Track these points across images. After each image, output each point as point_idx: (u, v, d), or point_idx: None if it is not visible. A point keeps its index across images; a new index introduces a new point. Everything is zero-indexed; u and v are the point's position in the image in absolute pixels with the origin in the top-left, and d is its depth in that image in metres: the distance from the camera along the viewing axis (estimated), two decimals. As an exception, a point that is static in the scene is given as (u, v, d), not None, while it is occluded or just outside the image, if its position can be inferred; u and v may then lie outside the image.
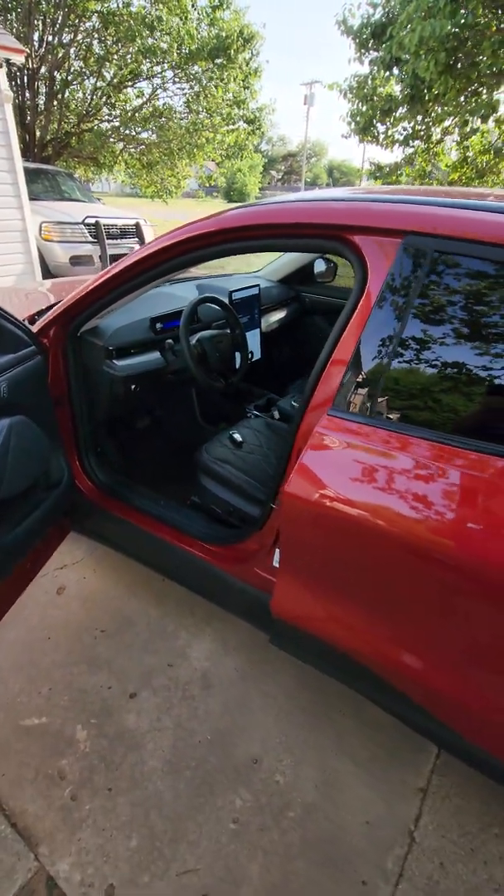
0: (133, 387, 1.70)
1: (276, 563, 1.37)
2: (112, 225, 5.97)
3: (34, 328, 1.57)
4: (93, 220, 5.73)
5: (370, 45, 5.84)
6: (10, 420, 1.30)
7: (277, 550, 1.35)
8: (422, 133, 6.38)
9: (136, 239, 6.23)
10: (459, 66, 4.79)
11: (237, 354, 1.86)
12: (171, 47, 8.04)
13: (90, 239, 5.78)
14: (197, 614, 1.85)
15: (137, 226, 6.22)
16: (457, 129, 6.08)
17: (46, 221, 5.61)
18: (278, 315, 2.41)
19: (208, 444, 1.75)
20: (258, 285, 2.15)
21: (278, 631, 1.40)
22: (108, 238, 5.81)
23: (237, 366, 1.88)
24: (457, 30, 4.31)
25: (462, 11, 4.13)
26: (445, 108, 5.47)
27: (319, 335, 2.63)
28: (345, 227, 1.09)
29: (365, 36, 5.80)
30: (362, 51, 6.08)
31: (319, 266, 2.67)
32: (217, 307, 1.81)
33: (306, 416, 1.17)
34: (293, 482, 1.10)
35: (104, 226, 5.76)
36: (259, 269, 2.67)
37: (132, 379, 1.65)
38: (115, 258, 5.94)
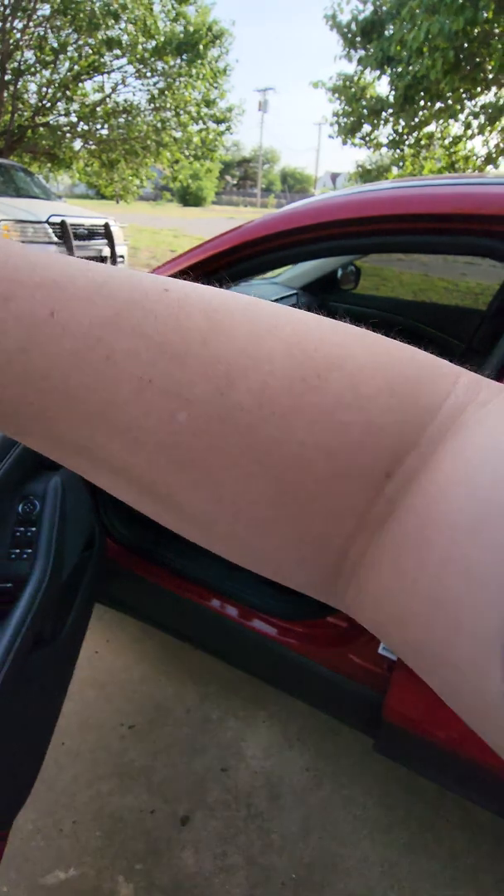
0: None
1: (384, 651, 1.07)
2: (79, 225, 5.50)
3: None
4: (58, 220, 5.25)
5: (358, 42, 5.69)
6: (60, 475, 0.96)
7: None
8: (408, 137, 6.29)
9: (106, 240, 5.78)
10: (466, 65, 4.69)
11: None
12: (134, 40, 7.63)
13: (55, 240, 5.29)
14: (244, 694, 1.52)
15: (107, 226, 5.78)
16: (446, 133, 6.04)
17: (5, 219, 5.09)
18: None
19: None
20: (297, 293, 1.85)
21: (389, 737, 1.10)
22: (75, 239, 5.34)
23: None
24: (467, 27, 4.19)
25: (471, 8, 3.99)
26: (445, 109, 5.39)
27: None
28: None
29: (354, 32, 5.64)
30: (350, 48, 5.92)
31: (339, 272, 2.41)
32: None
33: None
34: None
35: (71, 225, 5.29)
36: (276, 275, 2.38)
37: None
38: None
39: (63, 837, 1.16)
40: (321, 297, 2.32)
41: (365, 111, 6.11)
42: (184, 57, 7.92)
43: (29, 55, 8.12)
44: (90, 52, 7.97)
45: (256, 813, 1.24)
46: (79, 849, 1.15)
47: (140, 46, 7.70)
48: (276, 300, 1.78)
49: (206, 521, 0.18)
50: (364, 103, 6.05)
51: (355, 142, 6.62)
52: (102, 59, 8.14)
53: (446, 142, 6.15)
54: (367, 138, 6.52)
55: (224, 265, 1.08)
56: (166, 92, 8.35)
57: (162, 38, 7.67)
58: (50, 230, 5.26)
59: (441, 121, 5.81)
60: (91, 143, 8.95)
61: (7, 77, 8.12)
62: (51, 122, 8.56)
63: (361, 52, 5.84)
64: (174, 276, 1.07)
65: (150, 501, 0.19)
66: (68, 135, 8.78)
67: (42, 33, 7.93)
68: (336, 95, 6.45)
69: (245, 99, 10.26)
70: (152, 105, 8.65)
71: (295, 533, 0.17)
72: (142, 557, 1.42)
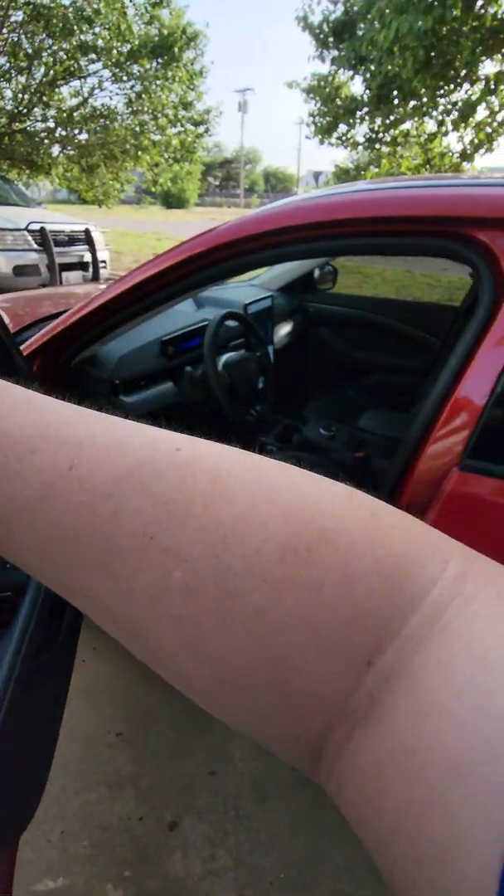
0: (144, 427, 1.36)
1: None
2: (59, 231, 5.47)
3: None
4: (38, 227, 5.22)
5: (331, 42, 5.71)
6: None
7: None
8: (384, 135, 6.33)
9: (87, 246, 5.75)
10: (436, 63, 4.73)
11: (260, 378, 1.56)
12: (108, 44, 7.60)
13: (35, 247, 5.26)
14: (232, 696, 1.52)
15: (87, 232, 5.75)
16: (422, 131, 6.08)
17: (-17, 228, 5.05)
18: (285, 328, 2.13)
19: None
20: (271, 296, 1.86)
21: None
22: (55, 245, 5.31)
23: (261, 389, 1.58)
24: (435, 26, 4.23)
25: (439, 7, 4.03)
26: (419, 107, 5.43)
27: (327, 349, 2.38)
28: (465, 221, 0.83)
29: (326, 33, 5.66)
30: (322, 48, 5.95)
31: (316, 272, 2.43)
32: (236, 323, 1.50)
33: (416, 475, 0.89)
34: None
35: (51, 232, 5.26)
36: (254, 276, 2.38)
37: (144, 418, 1.31)
38: (64, 267, 5.45)
39: (52, 848, 1.16)
40: (299, 297, 2.33)
41: (340, 111, 6.15)
42: (159, 60, 7.91)
43: (2, 61, 8.06)
44: (65, 57, 7.93)
45: (244, 814, 1.25)
46: (67, 858, 1.15)
47: (115, 51, 7.68)
48: (254, 301, 1.79)
49: (190, 676, 0.18)
50: (339, 103, 6.09)
51: (332, 141, 6.66)
52: (78, 64, 8.10)
53: (422, 139, 6.21)
54: (344, 138, 6.56)
55: (197, 269, 1.08)
56: (143, 95, 8.33)
57: (136, 42, 7.65)
58: (30, 237, 5.23)
59: (415, 119, 5.87)
60: (69, 148, 8.90)
61: (-19, 84, 8.05)
62: (28, 128, 8.50)
63: (334, 53, 5.88)
64: (150, 279, 1.07)
65: (137, 647, 0.20)
66: (46, 141, 8.73)
67: (15, 39, 7.87)
68: (311, 96, 6.48)
69: (223, 100, 10.26)
70: (130, 109, 8.63)
71: (277, 705, 0.17)
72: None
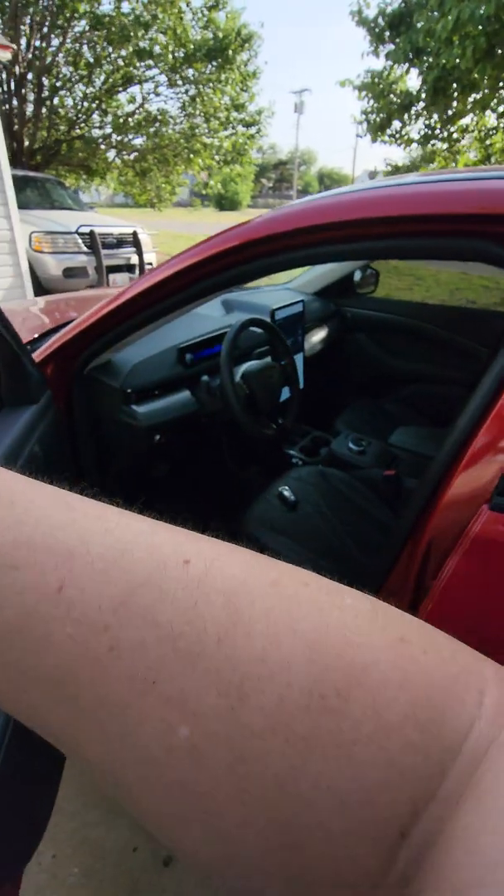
0: (158, 437, 1.31)
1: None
2: (108, 234, 5.59)
3: (28, 365, 1.18)
4: (87, 230, 5.35)
5: (386, 36, 5.51)
6: None
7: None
8: (441, 131, 6.04)
9: (134, 248, 5.85)
10: (499, 52, 4.43)
11: (284, 389, 1.47)
12: (165, 50, 7.73)
13: (84, 249, 5.40)
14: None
15: (135, 234, 5.85)
16: (478, 126, 5.75)
17: (37, 231, 5.23)
18: (319, 335, 2.03)
19: (252, 507, 1.35)
20: (302, 300, 1.77)
21: None
22: (103, 248, 5.43)
23: (286, 400, 1.49)
24: (499, 11, 3.96)
25: None
26: (478, 100, 5.12)
27: (364, 357, 2.25)
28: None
29: (381, 27, 5.47)
30: (378, 43, 5.75)
31: (357, 275, 2.30)
32: (261, 330, 1.42)
33: (438, 513, 0.77)
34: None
35: (99, 235, 5.38)
36: (289, 280, 2.30)
37: (157, 429, 1.25)
38: (111, 269, 5.56)
39: (42, 872, 1.12)
40: (336, 302, 2.22)
41: (394, 107, 5.89)
42: (213, 63, 7.95)
43: (65, 71, 8.37)
44: (122, 63, 8.13)
45: (244, 858, 1.16)
46: (56, 885, 1.10)
47: (171, 55, 7.79)
48: (283, 307, 1.70)
49: (193, 851, 0.16)
50: (393, 99, 5.85)
51: (385, 139, 6.42)
52: (135, 71, 8.28)
53: (481, 134, 5.86)
54: (398, 135, 6.30)
55: (220, 268, 0.97)
56: (196, 99, 8.41)
57: (192, 46, 7.73)
58: (80, 240, 5.37)
59: (475, 112, 5.54)
60: (125, 153, 9.13)
61: (44, 94, 8.40)
62: (85, 134, 8.78)
63: (389, 47, 5.64)
64: (167, 280, 1.00)
65: (127, 804, 0.16)
66: (102, 146, 8.99)
67: (77, 48, 8.15)
68: (364, 93, 6.27)
69: (275, 100, 10.18)
70: (183, 112, 8.74)
71: (293, 894, 0.14)
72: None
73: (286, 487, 1.43)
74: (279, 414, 1.42)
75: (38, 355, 1.18)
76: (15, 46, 5.49)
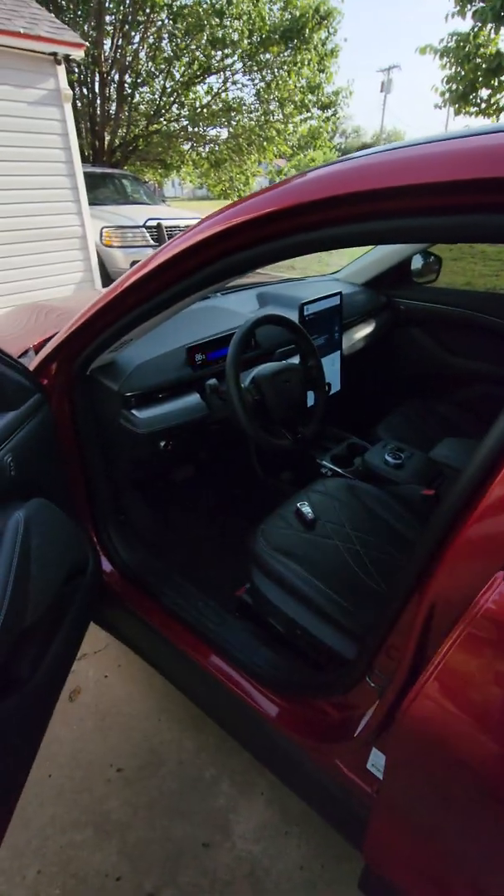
0: (164, 444, 1.22)
1: (372, 767, 0.82)
2: (174, 226, 5.62)
3: (32, 364, 1.14)
4: (154, 223, 5.41)
5: (476, -6, 4.93)
6: (26, 511, 0.87)
7: (376, 752, 0.80)
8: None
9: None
10: None
11: (310, 394, 1.32)
12: (241, 35, 7.58)
13: (151, 242, 5.47)
14: (245, 755, 1.33)
15: (201, 226, 5.82)
16: None
17: (107, 226, 5.38)
18: (364, 330, 1.83)
19: (266, 522, 1.22)
20: (339, 293, 1.59)
21: (370, 881, 0.86)
22: (169, 240, 5.46)
23: (310, 407, 1.33)
24: None
25: None
26: None
27: (418, 354, 2.02)
28: None
29: (470, -17, 4.91)
30: (464, 2, 5.17)
31: (416, 262, 2.05)
32: (283, 327, 1.27)
33: (442, 572, 0.60)
34: (439, 680, 0.55)
35: (166, 228, 5.42)
36: (337, 269, 2.11)
37: (161, 435, 1.16)
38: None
39: (24, 886, 1.10)
40: (389, 293, 2.00)
41: (481, 72, 5.27)
42: (289, 44, 7.67)
43: (145, 66, 8.51)
44: (200, 55, 8.10)
45: (231, 910, 1.06)
46: (36, 904, 1.07)
47: (246, 41, 7.63)
48: (316, 300, 1.53)
49: None
50: (479, 62, 5.22)
51: (469, 110, 5.78)
52: (211, 61, 8.23)
53: None
54: (485, 104, 5.64)
55: (236, 247, 0.76)
56: (271, 84, 8.19)
57: (267, 29, 7.50)
58: (146, 233, 5.45)
59: None
60: (199, 144, 9.16)
61: (125, 92, 8.61)
62: (162, 129, 8.91)
63: (478, 6, 5.02)
64: (166, 265, 0.84)
65: None
66: (179, 138, 9.07)
67: (157, 43, 8.25)
68: (447, 60, 5.67)
69: (354, 80, 9.65)
70: (258, 99, 8.57)
71: None
72: (134, 585, 1.30)
73: (305, 502, 1.28)
74: (301, 422, 1.27)
75: (40, 357, 1.13)
76: (88, 44, 5.63)
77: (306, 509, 1.26)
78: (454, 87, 5.75)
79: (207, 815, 1.22)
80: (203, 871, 1.12)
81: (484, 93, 5.62)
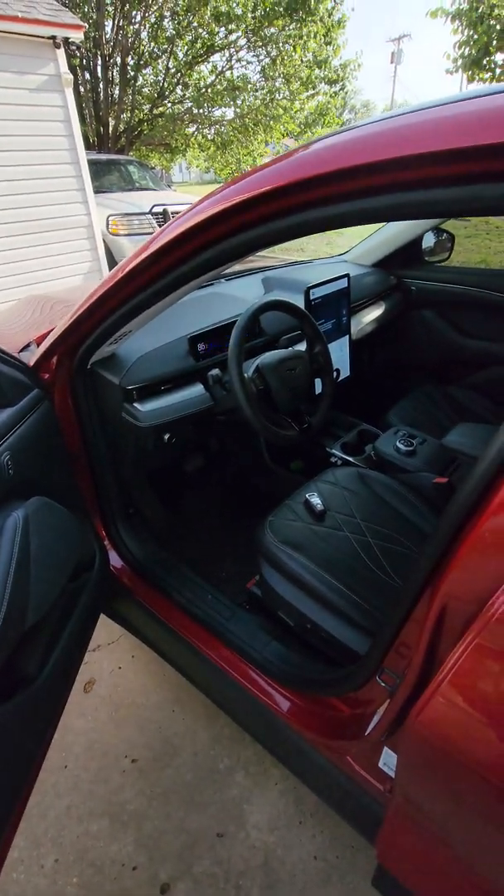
0: (167, 437, 1.20)
1: (384, 766, 0.80)
2: (179, 212, 5.53)
3: (32, 359, 1.12)
4: (160, 209, 5.34)
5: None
6: (24, 510, 0.86)
7: (388, 751, 0.78)
8: None
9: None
10: None
11: (317, 381, 1.28)
12: (245, 9, 7.34)
13: (158, 229, 5.40)
14: (259, 746, 1.33)
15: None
16: None
17: (114, 214, 5.32)
18: (374, 313, 1.78)
19: (275, 514, 1.20)
20: (347, 275, 1.53)
21: (384, 878, 0.84)
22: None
23: (318, 395, 1.30)
24: None
25: None
26: None
27: (430, 336, 1.95)
28: None
29: None
30: None
31: (428, 240, 1.98)
32: (287, 313, 1.23)
33: (453, 572, 0.57)
34: (457, 676, 0.53)
35: (172, 214, 5.34)
36: (345, 250, 2.04)
37: (164, 428, 1.14)
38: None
39: (43, 876, 1.11)
40: (398, 274, 1.93)
41: (494, 35, 4.98)
42: (295, 17, 7.40)
43: (147, 47, 8.31)
44: (203, 32, 7.88)
45: (245, 899, 1.07)
46: (55, 892, 1.09)
47: (250, 16, 7.38)
48: (322, 283, 1.48)
49: None
50: (493, 24, 4.93)
51: (482, 76, 5.49)
52: (215, 38, 8.00)
53: None
54: (500, 69, 5.35)
55: (239, 227, 0.70)
56: (276, 60, 7.93)
57: (270, 1, 7.23)
58: (153, 220, 5.38)
59: None
60: (203, 126, 8.96)
61: (129, 75, 8.44)
62: (166, 111, 8.73)
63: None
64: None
65: None
66: (184, 120, 8.88)
67: (158, 21, 8.04)
68: (460, 23, 5.39)
69: (362, 51, 9.27)
70: (263, 77, 8.32)
71: None
72: (142, 577, 1.30)
73: (314, 493, 1.25)
74: (308, 411, 1.24)
75: (40, 351, 1.12)
76: (87, 26, 5.51)
77: (315, 500, 1.23)
78: (467, 51, 5.48)
79: (222, 805, 1.22)
80: (218, 861, 1.13)
81: (499, 57, 5.34)
